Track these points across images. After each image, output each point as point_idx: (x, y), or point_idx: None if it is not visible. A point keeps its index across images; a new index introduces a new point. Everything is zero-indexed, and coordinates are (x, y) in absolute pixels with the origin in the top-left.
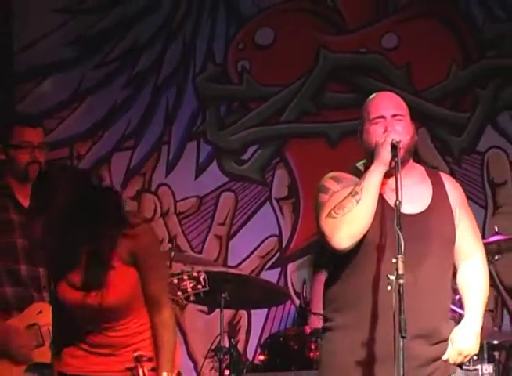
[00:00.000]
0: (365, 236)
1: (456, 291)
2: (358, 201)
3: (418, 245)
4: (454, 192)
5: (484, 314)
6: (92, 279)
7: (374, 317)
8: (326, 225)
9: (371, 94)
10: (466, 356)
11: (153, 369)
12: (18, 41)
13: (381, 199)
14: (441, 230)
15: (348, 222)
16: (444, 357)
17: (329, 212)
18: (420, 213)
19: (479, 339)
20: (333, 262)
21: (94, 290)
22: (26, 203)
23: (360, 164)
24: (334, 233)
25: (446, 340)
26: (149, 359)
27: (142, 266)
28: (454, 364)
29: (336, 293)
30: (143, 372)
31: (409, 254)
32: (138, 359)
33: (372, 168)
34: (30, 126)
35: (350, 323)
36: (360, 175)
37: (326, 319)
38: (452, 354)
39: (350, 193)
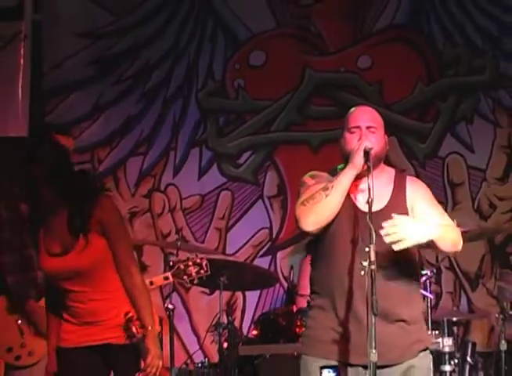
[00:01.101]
0: (333, 229)
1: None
2: (326, 195)
3: (375, 239)
4: (413, 191)
5: (442, 296)
6: (68, 244)
7: (344, 298)
8: (298, 210)
9: (349, 107)
10: (396, 233)
11: (141, 326)
12: (47, 62)
13: (349, 199)
14: None
15: (315, 210)
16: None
17: (303, 201)
18: (377, 211)
19: (419, 230)
20: (313, 252)
21: (69, 254)
22: None
23: (340, 168)
24: (302, 217)
25: (404, 320)
26: (138, 319)
27: (110, 235)
28: (388, 240)
29: (314, 277)
30: (136, 329)
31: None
32: (130, 319)
33: (345, 170)
34: (62, 134)
35: (326, 303)
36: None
37: (310, 299)
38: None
39: (322, 187)
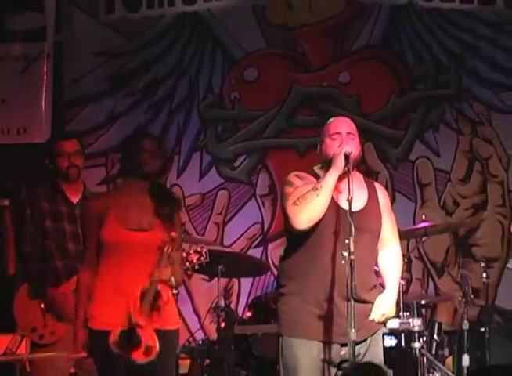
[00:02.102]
0: (319, 225)
1: None
2: (318, 195)
3: (354, 234)
4: (383, 198)
5: (412, 282)
6: (147, 223)
7: (323, 285)
8: (291, 210)
9: (331, 117)
10: (387, 317)
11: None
12: (67, 77)
13: (332, 198)
14: (371, 226)
15: (308, 209)
16: (370, 318)
17: (294, 201)
18: (358, 211)
19: (395, 305)
20: (289, 242)
21: (144, 231)
22: (73, 198)
23: (317, 168)
24: (296, 216)
25: (367, 302)
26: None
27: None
28: (378, 323)
29: (292, 266)
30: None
31: (346, 240)
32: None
33: (329, 172)
34: (64, 139)
35: (301, 288)
36: (316, 175)
37: (281, 286)
38: (377, 315)
39: (312, 188)
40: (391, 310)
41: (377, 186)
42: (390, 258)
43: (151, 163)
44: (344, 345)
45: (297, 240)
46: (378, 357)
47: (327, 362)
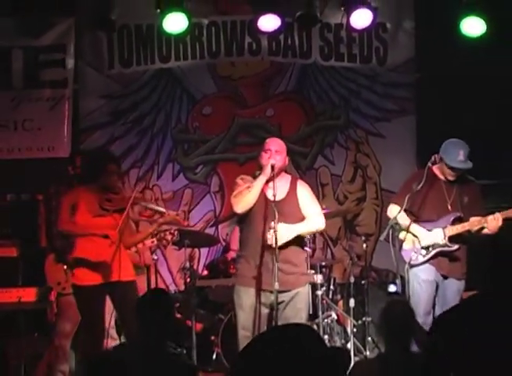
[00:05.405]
0: (252, 211)
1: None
2: (249, 192)
3: (279, 216)
4: (301, 190)
5: (316, 250)
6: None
7: (260, 252)
8: (233, 201)
9: (262, 139)
10: (277, 238)
11: None
12: (82, 113)
13: (262, 192)
14: (290, 210)
15: (243, 201)
16: (268, 243)
17: (235, 195)
18: (280, 200)
19: (291, 234)
20: (241, 223)
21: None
22: None
23: (258, 173)
24: (235, 205)
25: (296, 265)
26: None
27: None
28: (272, 242)
29: (242, 239)
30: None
31: (274, 220)
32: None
33: (260, 176)
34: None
35: (249, 255)
36: (255, 178)
37: (239, 252)
38: (269, 238)
39: (247, 186)
40: (282, 235)
41: (299, 182)
42: (306, 219)
43: (115, 184)
44: (271, 292)
45: (242, 221)
46: (298, 305)
47: (261, 303)
